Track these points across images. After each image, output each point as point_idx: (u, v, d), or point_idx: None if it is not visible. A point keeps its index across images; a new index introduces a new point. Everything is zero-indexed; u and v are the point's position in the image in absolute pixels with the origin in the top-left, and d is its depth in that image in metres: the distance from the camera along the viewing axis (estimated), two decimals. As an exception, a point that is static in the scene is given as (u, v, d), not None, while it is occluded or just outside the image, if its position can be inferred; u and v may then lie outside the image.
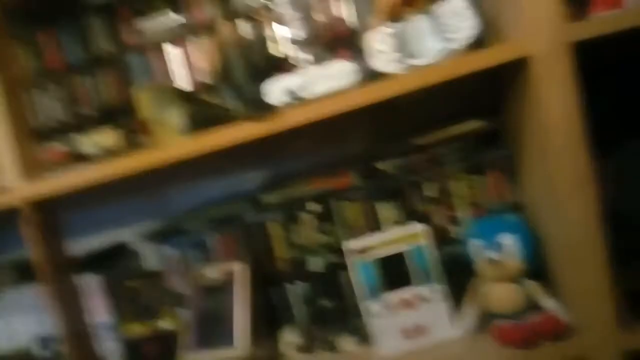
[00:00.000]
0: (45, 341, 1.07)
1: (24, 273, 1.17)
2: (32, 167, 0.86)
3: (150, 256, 1.17)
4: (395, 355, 0.84)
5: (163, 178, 1.20)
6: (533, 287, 0.83)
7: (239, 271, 0.96)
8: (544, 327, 0.76)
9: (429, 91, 0.78)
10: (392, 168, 0.99)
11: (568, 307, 0.78)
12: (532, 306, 0.82)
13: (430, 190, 0.98)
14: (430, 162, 0.97)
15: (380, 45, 0.81)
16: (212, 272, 0.99)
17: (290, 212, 1.02)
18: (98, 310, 1.09)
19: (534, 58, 0.71)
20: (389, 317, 0.85)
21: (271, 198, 1.04)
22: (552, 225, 0.81)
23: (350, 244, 0.88)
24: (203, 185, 1.20)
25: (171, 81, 1.01)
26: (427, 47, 0.78)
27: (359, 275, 0.87)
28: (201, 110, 0.91)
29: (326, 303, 0.99)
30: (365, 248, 0.87)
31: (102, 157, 0.92)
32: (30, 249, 0.85)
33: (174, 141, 0.84)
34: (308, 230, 1.02)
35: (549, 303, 0.80)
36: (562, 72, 0.69)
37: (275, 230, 1.03)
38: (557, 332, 0.75)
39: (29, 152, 0.87)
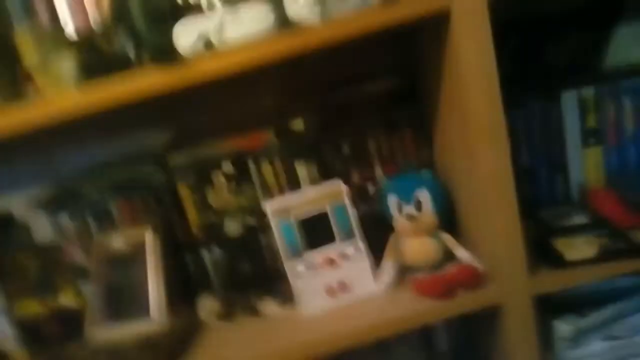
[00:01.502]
0: None
1: None
2: None
3: (43, 226, 1.05)
4: (320, 314, 0.84)
5: (52, 137, 1.07)
6: (447, 239, 0.86)
7: (149, 239, 0.89)
8: (460, 277, 0.79)
9: (344, 45, 0.75)
10: (308, 126, 0.96)
11: (480, 257, 0.82)
12: (448, 258, 0.85)
13: (346, 148, 0.97)
14: (345, 120, 0.96)
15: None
16: (118, 241, 0.91)
17: (202, 173, 0.96)
18: (-17, 290, 0.97)
19: (454, 13, 0.71)
20: (312, 277, 0.84)
21: (180, 159, 0.97)
22: (464, 179, 0.84)
23: (270, 204, 0.85)
24: (98, 145, 1.09)
25: (57, 23, 0.89)
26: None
27: (281, 235, 0.84)
28: (94, 57, 0.81)
29: (245, 267, 0.96)
30: (286, 208, 0.85)
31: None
32: None
33: (62, 93, 0.75)
34: (222, 193, 0.97)
35: (463, 254, 0.83)
36: (481, 28, 0.70)
37: (186, 193, 0.97)
38: (473, 281, 0.78)
39: None
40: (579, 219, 0.89)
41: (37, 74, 0.80)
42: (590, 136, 0.96)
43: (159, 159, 0.97)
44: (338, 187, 0.86)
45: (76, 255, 0.98)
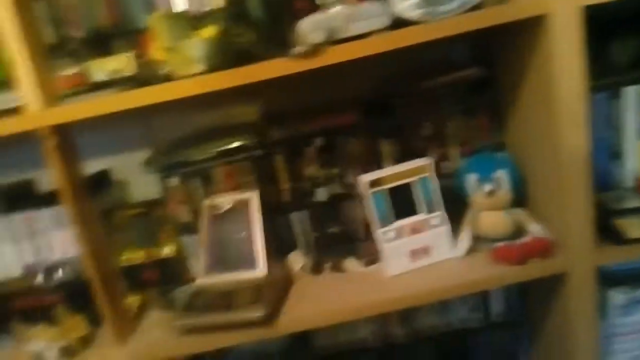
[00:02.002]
0: (49, 270, 1.07)
1: (12, 200, 1.14)
2: (49, 90, 0.83)
3: (148, 185, 1.17)
4: (403, 275, 0.96)
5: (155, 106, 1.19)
6: (520, 214, 0.97)
7: (254, 200, 1.01)
8: (534, 247, 0.90)
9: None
10: (394, 108, 1.07)
11: (549, 230, 0.94)
12: (520, 230, 0.96)
13: (427, 130, 1.08)
14: (429, 104, 1.07)
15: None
16: (225, 202, 1.03)
17: (296, 146, 1.08)
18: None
19: (550, 16, 0.80)
20: (399, 242, 0.96)
21: (278, 133, 1.08)
22: (539, 160, 0.95)
23: (365, 177, 0.96)
24: (193, 115, 1.21)
25: (180, 8, 1.00)
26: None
27: (373, 204, 0.96)
28: (222, 44, 0.92)
29: (331, 229, 1.08)
30: (379, 180, 0.96)
31: (117, 84, 0.90)
32: (53, 172, 0.84)
33: (191, 73, 0.86)
34: (312, 164, 1.08)
35: (535, 227, 0.95)
36: (576, 32, 0.80)
37: (280, 163, 1.09)
38: (545, 250, 0.90)
39: (45, 73, 0.84)
40: (634, 203, 1.00)
41: (170, 55, 0.91)
42: (646, 129, 1.06)
43: (259, 131, 1.09)
44: (425, 162, 0.97)
45: (180, 212, 1.11)
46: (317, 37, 0.81)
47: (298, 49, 0.81)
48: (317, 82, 1.17)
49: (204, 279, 1.00)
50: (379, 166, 1.08)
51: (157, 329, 0.98)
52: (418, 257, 0.97)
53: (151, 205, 1.15)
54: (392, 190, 0.97)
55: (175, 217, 1.12)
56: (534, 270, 0.91)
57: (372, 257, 1.03)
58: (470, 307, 1.19)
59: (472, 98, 1.06)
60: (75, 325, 0.94)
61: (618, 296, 0.96)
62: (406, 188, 0.97)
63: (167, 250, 1.14)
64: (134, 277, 1.14)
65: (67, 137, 0.86)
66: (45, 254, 1.13)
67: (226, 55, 0.89)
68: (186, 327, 0.92)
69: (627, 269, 1.01)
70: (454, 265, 0.96)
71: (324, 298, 0.95)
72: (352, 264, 1.04)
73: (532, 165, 0.98)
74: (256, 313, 0.88)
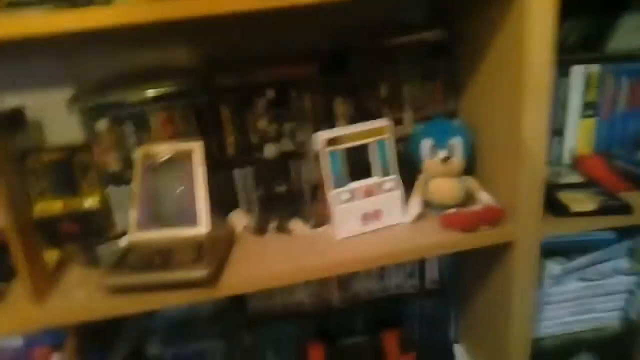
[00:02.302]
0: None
1: None
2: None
3: (72, 127, 1.03)
4: (351, 238, 0.93)
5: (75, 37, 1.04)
6: (471, 182, 0.97)
7: (197, 151, 0.92)
8: (485, 215, 0.91)
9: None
10: (353, 65, 1.02)
11: (498, 199, 0.94)
12: (469, 198, 0.97)
13: (383, 91, 1.04)
14: (386, 64, 1.03)
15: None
16: (162, 151, 0.93)
17: (245, 97, 0.99)
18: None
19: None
20: (351, 204, 0.92)
21: (225, 80, 0.99)
22: (495, 130, 0.95)
23: (322, 134, 0.91)
24: (122, 53, 1.08)
25: None
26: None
27: (328, 163, 0.91)
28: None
29: (277, 188, 1.02)
30: (336, 139, 0.91)
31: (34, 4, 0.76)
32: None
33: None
34: (262, 117, 1.01)
35: (484, 196, 0.95)
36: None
37: (226, 114, 1.00)
38: (495, 219, 0.90)
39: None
40: (575, 179, 1.04)
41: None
42: (588, 108, 1.10)
43: (203, 76, 0.99)
44: (384, 124, 0.93)
45: (108, 160, 0.99)
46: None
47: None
48: (268, 30, 1.09)
49: (137, 234, 0.90)
50: (331, 125, 1.03)
51: (80, 287, 0.87)
52: (369, 220, 0.94)
53: (73, 151, 1.02)
54: (348, 151, 0.92)
55: (101, 165, 1.00)
56: (483, 238, 0.91)
57: (319, 218, 0.99)
58: (406, 273, 1.19)
59: (429, 62, 1.03)
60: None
61: (554, 267, 1.00)
62: (362, 149, 0.93)
63: (90, 202, 1.02)
64: (51, 230, 1.01)
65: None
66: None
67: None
68: (116, 286, 0.82)
69: (562, 241, 1.05)
70: (403, 230, 0.94)
71: (269, 260, 0.90)
72: (298, 226, 0.99)
73: (486, 135, 0.98)
74: (198, 273, 0.80)
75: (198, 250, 0.85)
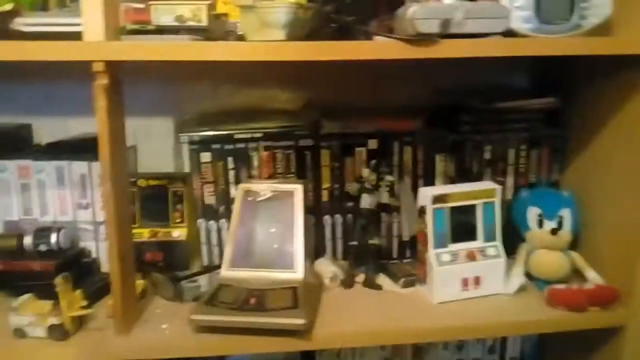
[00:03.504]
0: (41, 232, 0.90)
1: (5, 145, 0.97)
2: (112, 21, 0.70)
3: (167, 155, 1.04)
4: (448, 303, 0.88)
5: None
6: (576, 257, 0.92)
7: (298, 192, 0.91)
8: (596, 295, 0.85)
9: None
10: (459, 124, 1.00)
11: (607, 279, 0.88)
12: (575, 275, 0.91)
13: (487, 152, 1.01)
14: (496, 126, 1.00)
15: (519, 2, 0.80)
16: (264, 188, 0.92)
17: (348, 144, 0.98)
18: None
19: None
20: (452, 266, 0.88)
21: (330, 127, 0.99)
22: (609, 207, 0.90)
23: (430, 190, 0.88)
24: (225, 90, 1.10)
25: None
26: (562, 16, 0.79)
27: (433, 222, 0.88)
28: (313, 14, 0.81)
29: (370, 241, 0.98)
30: (443, 197, 0.88)
31: (180, 32, 0.78)
32: (99, 117, 0.70)
33: (264, 39, 0.75)
34: (361, 167, 0.99)
35: (592, 274, 0.89)
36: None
37: (327, 159, 0.99)
38: (608, 300, 0.84)
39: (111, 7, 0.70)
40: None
41: (245, 15, 0.80)
42: None
43: (309, 120, 0.99)
44: (492, 187, 0.90)
45: (204, 192, 0.98)
46: (429, 27, 0.72)
47: (407, 35, 0.72)
48: (376, 81, 1.09)
49: (229, 272, 0.88)
50: (430, 182, 1.00)
51: (165, 320, 0.84)
52: (468, 286, 0.89)
53: (170, 179, 1.01)
54: (454, 210, 0.89)
55: (196, 198, 0.99)
56: (592, 320, 0.85)
57: (410, 278, 0.95)
58: (486, 348, 1.12)
59: (538, 128, 1.01)
60: (73, 302, 0.79)
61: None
62: (468, 210, 0.90)
63: (179, 232, 1.01)
64: (136, 256, 0.99)
65: (118, 79, 0.72)
66: (35, 213, 0.97)
67: (309, 27, 0.80)
68: (207, 324, 0.79)
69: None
70: (504, 302, 0.89)
71: (361, 316, 0.85)
72: (386, 282, 0.95)
73: (597, 210, 0.93)
74: (295, 321, 0.76)
75: (294, 296, 0.81)
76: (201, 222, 0.99)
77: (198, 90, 1.10)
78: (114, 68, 0.68)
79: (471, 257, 0.89)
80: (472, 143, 1.00)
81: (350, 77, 1.07)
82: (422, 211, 0.89)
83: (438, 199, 0.88)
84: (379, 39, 0.76)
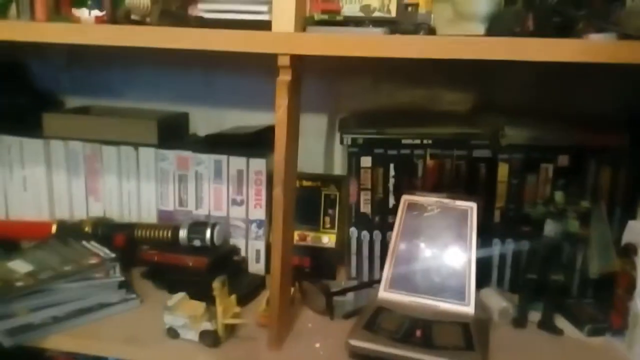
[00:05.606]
0: (196, 226, 0.88)
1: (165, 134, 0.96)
2: (301, 11, 0.63)
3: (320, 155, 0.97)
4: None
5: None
6: None
7: (472, 211, 0.79)
8: None
9: None
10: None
11: None
12: None
13: None
14: None
15: None
16: (432, 203, 0.81)
17: (533, 157, 0.84)
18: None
19: None
20: (664, 321, 0.71)
21: (512, 136, 0.85)
22: None
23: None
24: (387, 87, 1.00)
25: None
26: None
27: (643, 263, 0.71)
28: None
29: (552, 276, 0.83)
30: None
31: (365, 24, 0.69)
32: (279, 113, 0.63)
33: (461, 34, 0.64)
34: (545, 186, 0.85)
35: None
36: None
37: (504, 173, 0.85)
38: None
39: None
40: None
41: (440, 5, 0.69)
42: None
43: (494, 131, 0.86)
44: None
45: (360, 199, 0.90)
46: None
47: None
48: (570, 83, 0.93)
49: (387, 294, 0.78)
50: (633, 211, 0.82)
51: (317, 338, 0.77)
52: (683, 347, 0.72)
53: (323, 182, 0.94)
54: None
55: (351, 204, 0.91)
56: None
57: (598, 325, 0.79)
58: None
59: None
60: (228, 308, 0.74)
61: None
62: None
63: (328, 239, 0.94)
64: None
65: (299, 75, 0.65)
66: (190, 206, 0.95)
67: (516, 21, 0.67)
68: (366, 352, 0.70)
69: None
70: None
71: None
72: (567, 327, 0.80)
73: None
74: (472, 364, 0.65)
75: (466, 335, 0.70)
76: (353, 231, 0.91)
77: (356, 87, 1.02)
78: (299, 62, 0.61)
79: (691, 312, 0.71)
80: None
81: (539, 76, 0.91)
82: (628, 249, 0.73)
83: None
84: (594, 37, 0.61)
